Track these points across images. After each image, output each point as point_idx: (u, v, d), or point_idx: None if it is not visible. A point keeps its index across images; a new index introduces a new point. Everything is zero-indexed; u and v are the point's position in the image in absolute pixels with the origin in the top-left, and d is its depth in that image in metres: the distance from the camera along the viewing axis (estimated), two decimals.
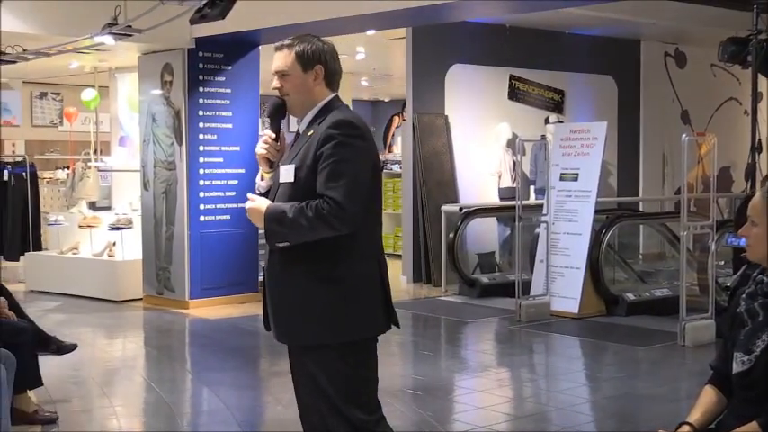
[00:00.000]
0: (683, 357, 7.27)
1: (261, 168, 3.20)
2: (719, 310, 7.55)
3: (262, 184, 3.20)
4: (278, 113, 3.18)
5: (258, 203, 3.04)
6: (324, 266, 2.98)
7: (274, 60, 3.14)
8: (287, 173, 3.05)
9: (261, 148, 3.17)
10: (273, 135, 3.17)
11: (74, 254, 10.61)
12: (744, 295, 2.76)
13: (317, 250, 2.98)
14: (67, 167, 13.63)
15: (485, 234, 11.14)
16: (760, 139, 8.52)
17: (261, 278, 3.51)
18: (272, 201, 3.07)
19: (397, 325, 3.16)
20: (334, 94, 3.17)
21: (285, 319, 3.06)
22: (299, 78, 3.10)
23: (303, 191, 2.99)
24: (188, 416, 5.81)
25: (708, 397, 2.84)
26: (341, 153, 2.96)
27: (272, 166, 3.17)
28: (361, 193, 2.96)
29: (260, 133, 3.18)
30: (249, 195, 3.11)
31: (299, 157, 3.05)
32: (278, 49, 3.14)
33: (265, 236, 3.01)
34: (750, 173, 8.16)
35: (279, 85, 3.14)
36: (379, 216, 3.16)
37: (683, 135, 7.81)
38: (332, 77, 3.16)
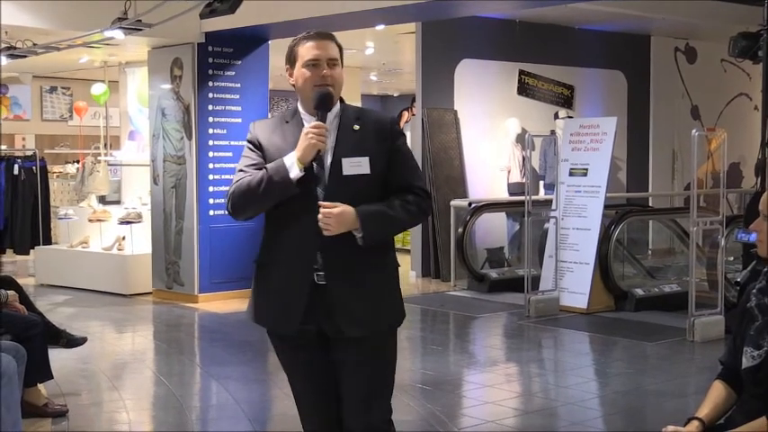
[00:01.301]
0: (692, 353, 7.26)
1: (304, 160, 2.98)
2: (729, 305, 7.53)
3: (299, 176, 3.00)
4: (330, 104, 3.07)
5: (345, 208, 2.95)
6: (389, 255, 3.16)
7: (323, 48, 3.07)
8: (357, 165, 3.03)
9: (317, 139, 2.97)
10: (327, 126, 3.04)
11: (83, 248, 10.65)
12: (754, 290, 2.76)
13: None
14: (77, 162, 13.68)
15: (494, 229, 11.14)
16: None
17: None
18: (334, 192, 2.99)
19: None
20: None
21: (368, 306, 3.07)
22: (341, 71, 3.13)
23: (377, 182, 3.05)
24: (197, 410, 5.82)
25: (717, 392, 2.84)
26: (410, 150, 3.22)
27: (317, 157, 3.02)
28: None
29: (308, 126, 2.98)
30: (326, 204, 2.95)
31: (365, 150, 3.04)
32: (325, 37, 3.10)
33: (364, 239, 2.97)
34: (760, 168, 8.10)
35: (330, 74, 3.06)
36: None
37: (693, 130, 7.79)
38: None
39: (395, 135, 3.12)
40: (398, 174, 3.08)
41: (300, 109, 3.14)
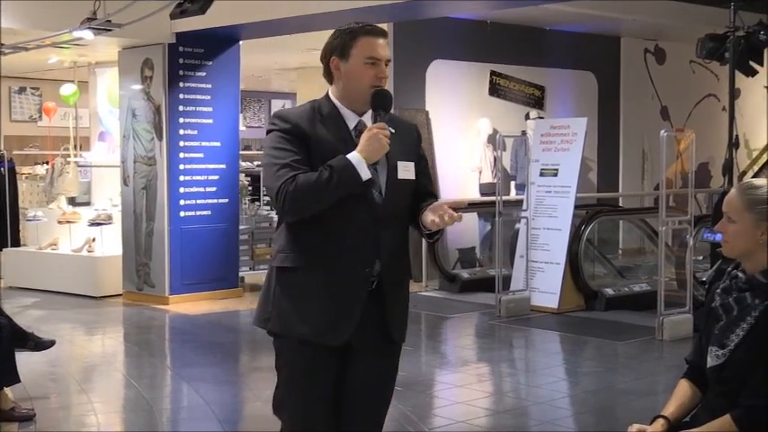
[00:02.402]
0: (661, 351, 7.33)
1: (371, 159, 2.84)
2: (697, 304, 7.60)
3: (366, 175, 2.85)
4: (389, 105, 2.95)
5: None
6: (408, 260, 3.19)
7: (383, 48, 2.93)
8: (407, 169, 2.99)
9: (384, 142, 2.84)
10: (392, 129, 2.91)
11: (53, 250, 10.56)
12: (718, 290, 2.79)
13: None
14: (46, 163, 13.55)
15: (465, 229, 11.17)
16: (737, 135, 8.57)
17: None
18: (392, 196, 2.94)
19: None
20: None
21: (404, 316, 3.09)
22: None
23: (416, 187, 3.04)
24: (167, 412, 5.79)
25: (683, 390, 2.87)
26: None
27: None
28: None
29: (374, 126, 2.86)
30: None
31: (406, 155, 3.01)
32: (384, 35, 2.95)
33: (431, 235, 3.02)
34: (727, 168, 8.21)
35: (386, 75, 2.94)
36: None
37: (662, 131, 7.86)
38: None
39: (420, 141, 3.16)
40: (424, 180, 3.08)
41: (338, 104, 2.95)
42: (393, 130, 2.89)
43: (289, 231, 2.92)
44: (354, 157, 2.81)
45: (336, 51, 2.92)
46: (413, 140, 3.08)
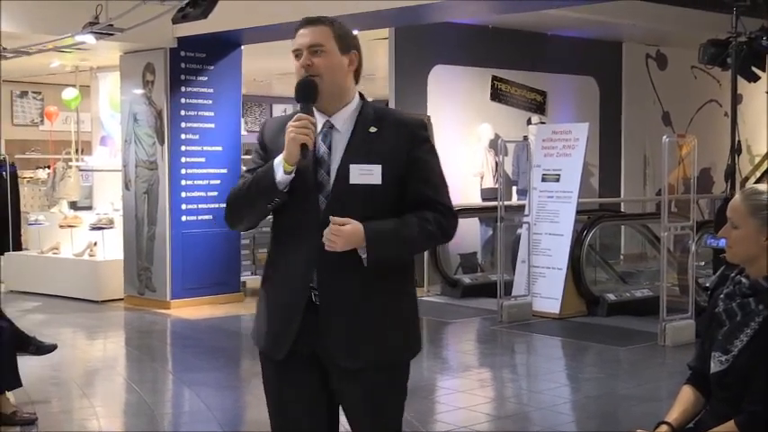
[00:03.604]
0: (664, 357, 7.31)
1: (289, 159, 2.63)
2: (699, 310, 7.59)
3: (285, 178, 2.65)
4: (311, 94, 2.70)
5: (355, 225, 2.60)
6: (401, 279, 2.81)
7: (303, 36, 2.73)
8: (368, 173, 2.66)
9: (300, 132, 2.61)
10: (313, 119, 2.67)
11: (54, 254, 10.55)
12: (722, 296, 2.78)
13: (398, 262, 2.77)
14: (48, 167, 13.55)
15: (467, 234, 11.15)
16: (740, 141, 8.55)
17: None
18: (337, 203, 2.66)
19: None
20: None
21: (368, 335, 2.70)
22: (336, 58, 2.72)
23: (389, 194, 2.68)
24: (169, 416, 5.78)
25: (686, 396, 2.86)
26: (436, 158, 2.79)
27: (305, 155, 2.65)
28: None
29: (296, 117, 2.66)
30: (337, 219, 2.60)
31: (379, 157, 2.67)
32: (311, 23, 2.74)
33: (369, 260, 2.62)
34: (729, 174, 8.19)
35: (309, 62, 2.69)
36: None
37: (664, 136, 7.86)
38: (360, 71, 2.82)
39: (417, 141, 2.74)
40: (415, 187, 2.70)
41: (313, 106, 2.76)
42: (375, 130, 2.70)
43: (269, 243, 2.86)
44: (278, 159, 2.65)
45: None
46: (402, 140, 2.71)
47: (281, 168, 2.63)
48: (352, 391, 2.74)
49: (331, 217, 2.61)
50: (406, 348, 2.80)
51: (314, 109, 2.71)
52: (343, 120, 2.74)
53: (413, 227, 2.67)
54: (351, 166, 2.67)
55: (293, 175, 2.65)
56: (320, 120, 2.74)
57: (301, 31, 2.74)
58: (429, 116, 11.31)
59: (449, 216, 2.74)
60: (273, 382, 2.81)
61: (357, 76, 2.82)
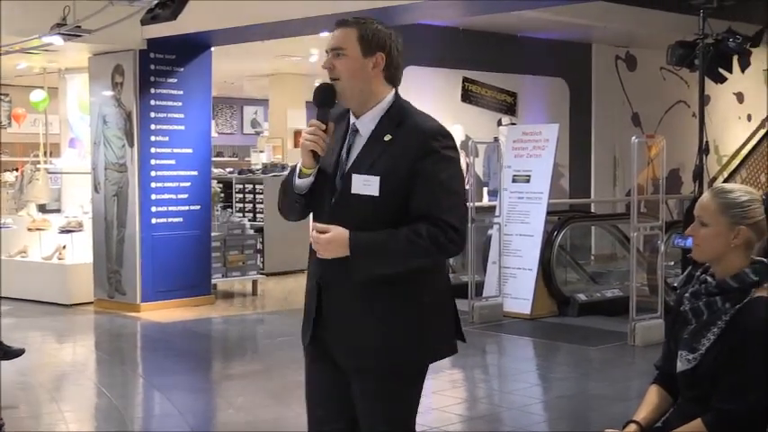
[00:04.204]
0: (633, 357, 7.36)
1: (301, 164, 2.70)
2: (669, 309, 7.64)
3: (301, 183, 2.72)
4: (328, 99, 2.72)
5: (338, 233, 2.61)
6: (414, 286, 2.72)
7: (331, 38, 2.75)
8: (367, 184, 2.64)
9: (308, 140, 2.66)
10: (323, 125, 2.69)
11: (22, 257, 10.44)
12: (687, 294, 2.79)
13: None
14: (16, 169, 13.42)
15: None
16: (707, 142, 8.63)
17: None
18: (339, 209, 2.68)
19: (463, 339, 2.95)
20: (395, 92, 2.81)
21: (369, 335, 2.70)
22: (357, 61, 2.70)
23: (389, 207, 2.64)
24: (139, 420, 5.75)
25: (653, 395, 2.87)
26: (446, 169, 2.68)
27: (318, 160, 2.70)
28: (467, 211, 2.75)
29: (309, 122, 2.73)
30: (320, 226, 2.65)
31: (382, 167, 2.65)
32: (340, 25, 2.74)
33: (350, 269, 2.62)
34: (698, 174, 8.27)
35: (330, 66, 2.71)
36: None
37: (634, 137, 7.92)
38: (395, 71, 2.77)
39: (426, 151, 2.65)
40: (417, 200, 2.63)
41: None
42: (389, 138, 2.68)
43: None
44: (300, 163, 2.77)
45: None
46: (411, 149, 2.66)
47: (294, 174, 2.75)
48: (354, 389, 2.79)
49: (313, 223, 2.68)
50: (411, 353, 2.75)
51: (330, 112, 2.74)
52: (367, 123, 2.75)
53: (400, 240, 2.61)
54: (353, 175, 2.69)
55: (312, 178, 2.73)
56: (352, 120, 2.79)
57: (333, 33, 2.78)
58: None
59: (448, 232, 2.62)
60: (305, 367, 2.91)
61: (390, 76, 2.78)
